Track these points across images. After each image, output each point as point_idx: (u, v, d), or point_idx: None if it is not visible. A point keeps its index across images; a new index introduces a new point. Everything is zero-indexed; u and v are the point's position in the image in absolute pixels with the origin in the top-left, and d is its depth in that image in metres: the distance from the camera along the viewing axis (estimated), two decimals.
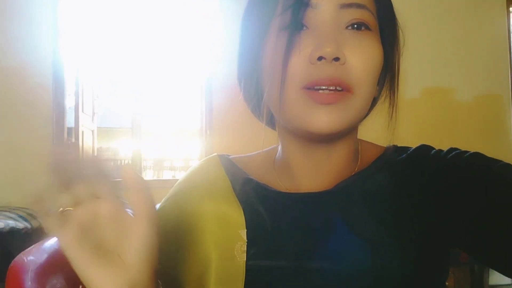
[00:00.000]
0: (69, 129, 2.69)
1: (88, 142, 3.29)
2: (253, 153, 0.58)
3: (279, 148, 0.54)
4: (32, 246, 0.51)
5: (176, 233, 0.50)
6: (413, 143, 0.53)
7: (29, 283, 0.45)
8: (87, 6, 3.23)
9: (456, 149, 0.48)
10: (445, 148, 0.49)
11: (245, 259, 0.46)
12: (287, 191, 0.50)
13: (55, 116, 2.45)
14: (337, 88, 0.42)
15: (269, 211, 0.48)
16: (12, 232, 2.04)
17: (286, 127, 0.50)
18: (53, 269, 0.48)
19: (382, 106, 0.51)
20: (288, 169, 0.51)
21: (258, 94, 0.50)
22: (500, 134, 2.84)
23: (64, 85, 2.54)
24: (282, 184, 0.51)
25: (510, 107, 2.86)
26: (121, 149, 7.82)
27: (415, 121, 2.51)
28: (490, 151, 0.46)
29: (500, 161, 0.45)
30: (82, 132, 3.12)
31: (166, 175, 7.69)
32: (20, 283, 0.45)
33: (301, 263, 0.45)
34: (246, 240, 0.47)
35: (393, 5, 0.49)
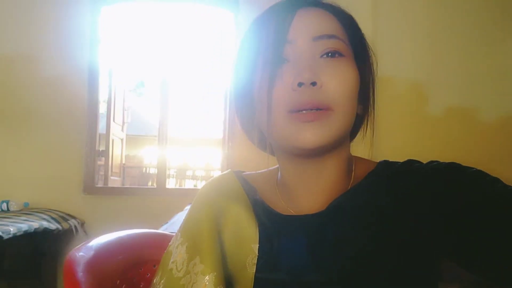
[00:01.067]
0: (100, 135, 2.82)
1: (117, 150, 3.44)
2: (260, 171, 0.63)
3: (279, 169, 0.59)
4: (79, 245, 0.60)
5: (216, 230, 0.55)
6: (439, 159, 0.53)
7: (81, 273, 0.54)
8: (123, 21, 3.41)
9: (435, 161, 0.52)
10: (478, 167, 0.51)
11: (254, 271, 0.51)
12: (287, 212, 0.55)
13: (88, 124, 2.59)
14: (318, 108, 0.48)
15: (274, 230, 0.53)
16: (46, 233, 2.15)
17: (278, 147, 0.55)
18: (98, 262, 0.58)
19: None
20: (287, 189, 0.56)
21: (252, 121, 0.57)
22: None
23: (99, 95, 2.69)
24: (284, 203, 0.56)
25: None
26: (147, 157, 8.01)
27: (439, 139, 2.51)
28: None
29: (472, 168, 0.49)
30: (112, 140, 3.27)
31: (188, 184, 7.81)
32: (74, 273, 0.55)
33: (299, 277, 0.50)
34: (257, 254, 0.52)
35: (363, 33, 0.55)
